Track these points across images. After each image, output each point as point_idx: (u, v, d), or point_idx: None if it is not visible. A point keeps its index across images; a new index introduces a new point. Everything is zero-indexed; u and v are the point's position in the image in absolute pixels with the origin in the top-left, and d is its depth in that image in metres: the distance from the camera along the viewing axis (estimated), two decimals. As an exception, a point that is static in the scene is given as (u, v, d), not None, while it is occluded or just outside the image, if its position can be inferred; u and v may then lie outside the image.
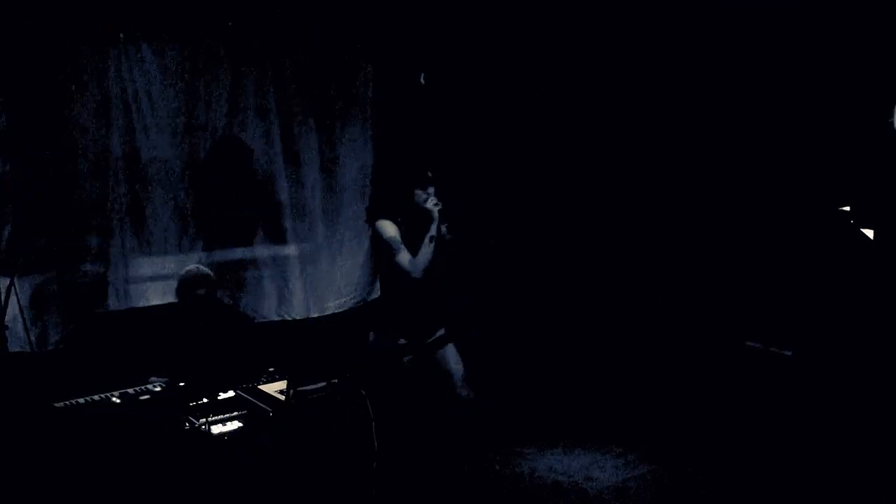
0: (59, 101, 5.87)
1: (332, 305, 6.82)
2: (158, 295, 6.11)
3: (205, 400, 4.52)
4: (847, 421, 5.58)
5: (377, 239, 5.27)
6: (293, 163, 6.69)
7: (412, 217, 5.22)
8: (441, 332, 5.38)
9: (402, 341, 5.30)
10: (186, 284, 5.14)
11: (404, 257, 5.16)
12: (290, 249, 6.70)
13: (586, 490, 5.54)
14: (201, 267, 5.31)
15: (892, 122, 5.74)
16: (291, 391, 4.50)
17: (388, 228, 5.20)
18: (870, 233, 5.85)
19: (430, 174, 5.25)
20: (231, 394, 4.65)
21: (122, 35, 6.03)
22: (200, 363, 4.82)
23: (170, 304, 5.63)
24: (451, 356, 5.40)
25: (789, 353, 6.11)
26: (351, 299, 6.87)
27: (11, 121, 5.74)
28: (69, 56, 5.87)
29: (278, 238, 6.70)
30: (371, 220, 5.51)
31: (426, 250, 5.16)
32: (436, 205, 5.17)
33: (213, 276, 5.26)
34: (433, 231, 5.16)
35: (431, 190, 5.21)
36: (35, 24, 5.69)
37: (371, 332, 5.41)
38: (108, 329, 5.99)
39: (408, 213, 5.23)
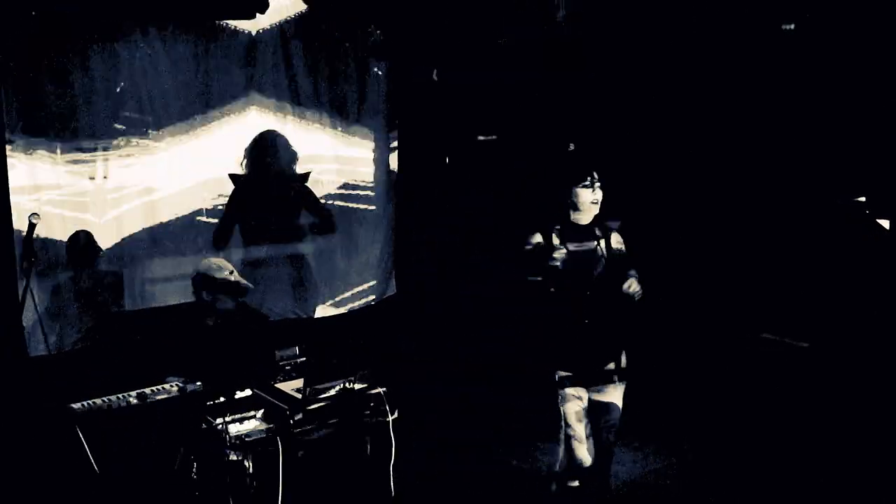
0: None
1: (349, 303, 6.82)
2: (175, 295, 6.13)
3: (222, 399, 4.52)
4: (862, 411, 5.56)
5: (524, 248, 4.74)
6: (308, 159, 6.69)
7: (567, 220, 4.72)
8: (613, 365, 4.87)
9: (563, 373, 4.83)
10: (205, 275, 5.13)
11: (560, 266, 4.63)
12: (306, 247, 6.70)
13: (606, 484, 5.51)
14: (219, 259, 5.30)
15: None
16: (308, 389, 4.50)
17: (536, 237, 4.69)
18: (886, 223, 5.81)
19: (594, 172, 4.69)
20: (248, 392, 4.66)
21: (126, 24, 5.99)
22: (217, 362, 4.82)
23: (186, 303, 5.63)
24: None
25: (806, 345, 6.09)
26: (367, 297, 6.87)
27: (14, 113, 5.73)
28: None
29: (293, 236, 6.70)
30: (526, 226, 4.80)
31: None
32: (594, 202, 4.64)
33: (231, 268, 5.25)
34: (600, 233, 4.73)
35: (598, 185, 4.65)
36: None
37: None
38: (125, 329, 6.00)
39: (565, 216, 4.73)
